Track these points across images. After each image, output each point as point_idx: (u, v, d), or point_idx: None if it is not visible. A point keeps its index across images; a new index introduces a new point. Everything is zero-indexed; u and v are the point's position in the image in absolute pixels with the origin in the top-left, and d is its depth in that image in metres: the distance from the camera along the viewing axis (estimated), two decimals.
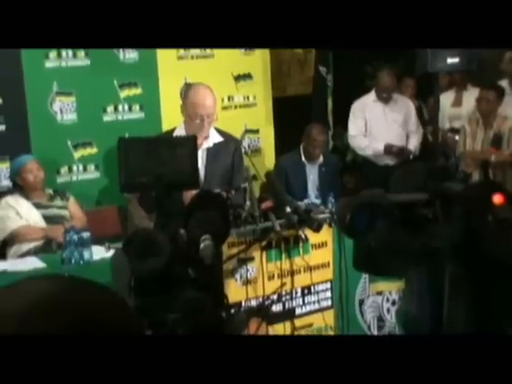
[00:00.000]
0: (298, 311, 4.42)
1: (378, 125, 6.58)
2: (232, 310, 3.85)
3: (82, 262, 4.00)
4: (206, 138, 4.31)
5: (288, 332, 4.33)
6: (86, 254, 4.03)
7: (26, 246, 4.87)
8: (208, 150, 4.32)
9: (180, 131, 4.36)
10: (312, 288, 4.45)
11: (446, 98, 6.70)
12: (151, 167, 2.87)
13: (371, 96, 6.67)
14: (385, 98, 6.57)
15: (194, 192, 3.32)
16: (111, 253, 3.25)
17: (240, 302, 4.12)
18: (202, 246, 2.42)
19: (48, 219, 5.05)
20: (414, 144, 6.62)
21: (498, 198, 1.74)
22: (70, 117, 5.77)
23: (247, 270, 4.14)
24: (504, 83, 6.37)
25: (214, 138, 4.37)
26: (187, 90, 4.42)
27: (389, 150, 6.48)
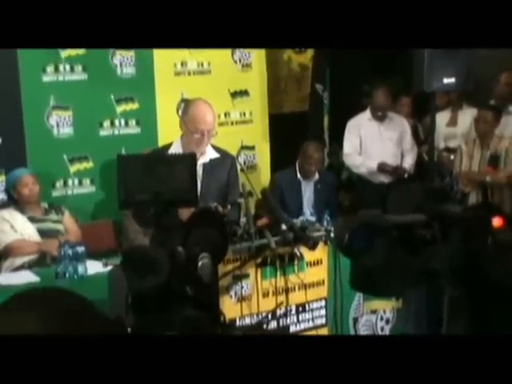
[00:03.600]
0: (292, 329, 4.40)
1: (373, 143, 6.59)
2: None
3: (76, 277, 4.00)
4: (203, 153, 4.31)
5: None
6: (81, 269, 4.03)
7: (20, 260, 4.85)
8: (204, 165, 4.32)
9: (177, 146, 4.37)
10: (306, 306, 4.44)
11: (441, 118, 6.71)
12: (151, 184, 2.87)
13: (366, 114, 6.69)
14: (380, 116, 6.59)
15: (191, 209, 3.32)
16: (108, 268, 3.24)
17: (234, 319, 4.11)
18: (200, 263, 2.42)
19: (43, 233, 5.05)
20: (408, 163, 6.63)
21: (497, 221, 1.74)
22: (67, 131, 5.78)
23: (242, 287, 4.12)
24: (496, 104, 6.40)
25: (210, 154, 4.38)
26: (187, 105, 4.44)
27: (382, 168, 6.49)
